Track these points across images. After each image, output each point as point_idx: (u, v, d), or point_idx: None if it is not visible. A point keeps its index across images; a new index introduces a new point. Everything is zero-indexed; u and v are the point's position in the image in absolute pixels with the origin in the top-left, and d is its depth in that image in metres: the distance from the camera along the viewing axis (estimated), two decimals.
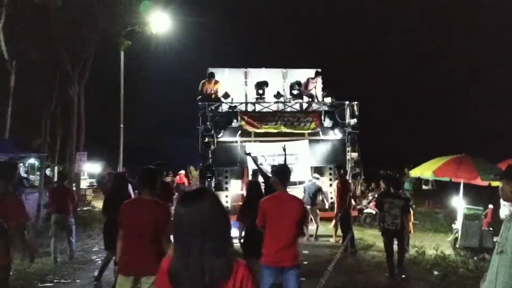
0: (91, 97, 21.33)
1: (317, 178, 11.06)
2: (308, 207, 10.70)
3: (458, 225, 9.59)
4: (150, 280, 4.06)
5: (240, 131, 11.58)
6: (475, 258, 8.54)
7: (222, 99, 12.25)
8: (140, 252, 4.08)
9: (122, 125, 17.72)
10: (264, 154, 11.42)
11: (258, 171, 8.20)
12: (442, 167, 9.56)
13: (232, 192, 11.56)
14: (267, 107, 12.26)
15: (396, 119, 30.16)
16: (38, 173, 23.49)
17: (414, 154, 13.54)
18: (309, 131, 11.88)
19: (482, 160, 9.53)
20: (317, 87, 13.03)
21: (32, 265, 7.79)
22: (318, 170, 11.88)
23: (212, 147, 11.25)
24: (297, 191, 11.37)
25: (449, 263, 8.13)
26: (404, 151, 23.58)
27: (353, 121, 11.97)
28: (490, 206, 10.59)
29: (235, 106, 12.05)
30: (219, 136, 11.52)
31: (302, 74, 13.35)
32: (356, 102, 12.07)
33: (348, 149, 11.90)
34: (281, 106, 12.47)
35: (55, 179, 9.98)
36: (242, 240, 6.24)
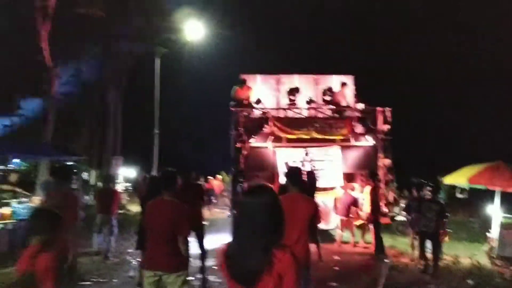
0: (128, 103, 21.99)
1: (352, 190, 11.03)
2: (344, 218, 10.76)
3: (493, 234, 9.36)
4: (169, 279, 4.32)
5: (271, 137, 11.69)
6: None
7: (254, 105, 12.43)
8: (159, 250, 4.33)
9: (157, 131, 18.22)
10: (295, 159, 11.49)
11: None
12: (477, 174, 9.37)
13: None
14: (298, 113, 12.35)
15: (430, 126, 29.51)
16: (75, 176, 24.34)
17: (448, 161, 13.23)
18: (341, 137, 11.86)
19: None
20: (346, 97, 12.99)
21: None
22: (350, 177, 11.85)
23: (244, 152, 11.42)
24: (328, 197, 11.43)
25: (484, 272, 7.96)
26: (437, 158, 23.07)
27: (386, 127, 11.87)
28: None
29: (267, 112, 12.21)
30: (250, 141, 11.68)
31: (334, 80, 13.38)
32: (388, 108, 11.97)
33: (381, 155, 11.81)
34: (312, 112, 12.54)
35: (98, 183, 10.45)
36: None
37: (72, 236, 5.39)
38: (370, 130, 11.86)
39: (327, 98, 12.67)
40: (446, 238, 9.78)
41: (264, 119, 11.75)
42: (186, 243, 4.48)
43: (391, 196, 12.05)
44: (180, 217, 4.41)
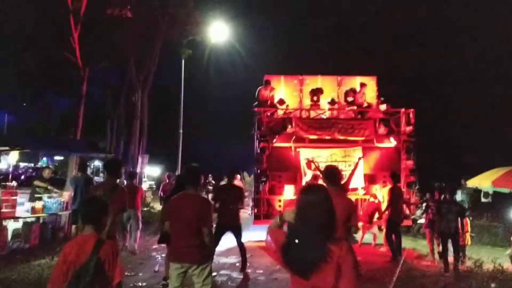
0: (154, 103, 22.44)
1: (375, 198, 10.99)
2: (367, 224, 10.74)
3: None
4: (195, 270, 4.48)
5: (294, 137, 11.79)
6: None
7: (278, 106, 12.57)
8: (185, 243, 4.47)
9: (181, 131, 18.59)
10: (317, 160, 11.57)
11: None
12: (502, 177, 9.26)
13: (286, 196, 11.78)
14: (321, 113, 12.43)
15: (454, 128, 29.02)
16: (102, 175, 25.00)
17: (474, 164, 13.09)
18: (363, 138, 11.87)
19: None
20: (365, 97, 12.99)
21: None
22: (372, 178, 11.85)
23: (267, 152, 11.57)
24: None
25: (507, 277, 7.87)
26: (462, 161, 22.71)
27: (409, 129, 11.83)
28: None
29: (290, 113, 12.34)
30: (273, 141, 11.81)
31: (357, 81, 13.40)
32: (412, 110, 11.92)
33: (403, 157, 11.78)
34: (335, 113, 12.60)
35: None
36: None
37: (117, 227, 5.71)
38: (393, 131, 11.84)
39: (350, 99, 12.69)
40: (468, 241, 9.76)
41: (287, 119, 11.86)
42: (211, 235, 4.63)
43: (413, 198, 12.00)
44: (204, 210, 4.57)
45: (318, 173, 9.86)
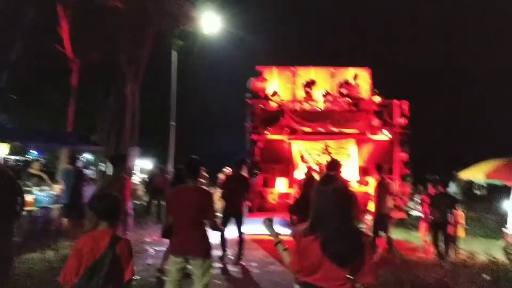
0: (146, 95, 22.21)
1: (366, 184, 10.96)
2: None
3: (509, 229, 9.28)
4: (197, 262, 4.44)
5: (287, 129, 11.72)
6: None
7: (270, 97, 12.47)
8: (188, 235, 4.44)
9: (173, 123, 18.42)
10: (310, 152, 11.54)
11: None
12: (494, 169, 9.31)
13: (279, 189, 11.74)
14: (314, 106, 12.35)
15: (449, 120, 29.12)
16: (93, 167, 24.78)
17: (468, 156, 13.12)
18: (357, 131, 11.82)
19: None
20: (359, 89, 12.93)
21: None
22: (366, 171, 11.83)
23: (259, 144, 11.49)
24: None
25: (500, 268, 7.90)
26: (456, 153, 22.82)
27: (403, 121, 11.80)
28: None
29: (283, 104, 12.26)
30: (266, 133, 11.74)
31: (351, 73, 13.33)
32: (405, 102, 11.89)
33: (397, 149, 11.76)
34: (329, 105, 12.52)
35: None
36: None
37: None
38: (387, 123, 11.81)
39: (343, 90, 12.62)
40: (462, 233, 9.80)
41: (280, 111, 11.79)
42: (215, 227, 4.64)
43: (406, 190, 12.00)
44: (206, 202, 4.54)
45: (313, 166, 9.81)
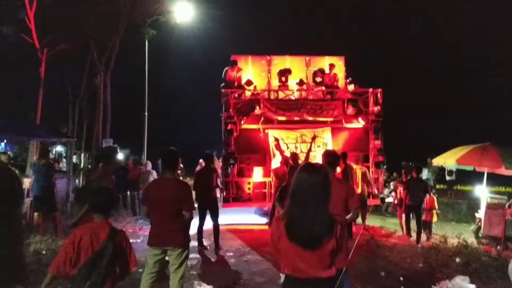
0: (117, 86, 21.74)
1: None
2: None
3: (481, 214, 9.53)
4: (175, 252, 4.45)
5: (262, 119, 11.64)
6: (498, 247, 8.49)
7: (245, 87, 12.35)
8: (165, 226, 4.43)
9: (146, 113, 18.11)
10: (286, 141, 11.50)
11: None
12: (465, 155, 9.49)
13: (255, 179, 11.69)
14: (290, 94, 12.30)
15: (420, 108, 29.68)
16: (65, 160, 24.19)
17: (438, 143, 13.37)
18: (332, 119, 11.86)
19: (506, 149, 9.41)
20: (337, 79, 12.94)
21: None
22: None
23: (235, 134, 11.38)
24: None
25: (471, 251, 8.09)
26: (427, 140, 23.29)
27: (377, 109, 11.88)
28: None
29: (258, 94, 12.16)
30: (241, 123, 11.64)
31: (326, 62, 13.33)
32: (379, 90, 11.97)
33: (371, 137, 11.85)
34: (304, 94, 12.51)
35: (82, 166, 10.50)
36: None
37: None
38: (361, 111, 11.86)
39: (318, 79, 12.61)
40: (435, 218, 10.03)
41: (255, 100, 11.68)
42: (191, 217, 4.59)
43: (381, 177, 12.14)
44: (184, 193, 4.50)
45: (288, 155, 9.74)
